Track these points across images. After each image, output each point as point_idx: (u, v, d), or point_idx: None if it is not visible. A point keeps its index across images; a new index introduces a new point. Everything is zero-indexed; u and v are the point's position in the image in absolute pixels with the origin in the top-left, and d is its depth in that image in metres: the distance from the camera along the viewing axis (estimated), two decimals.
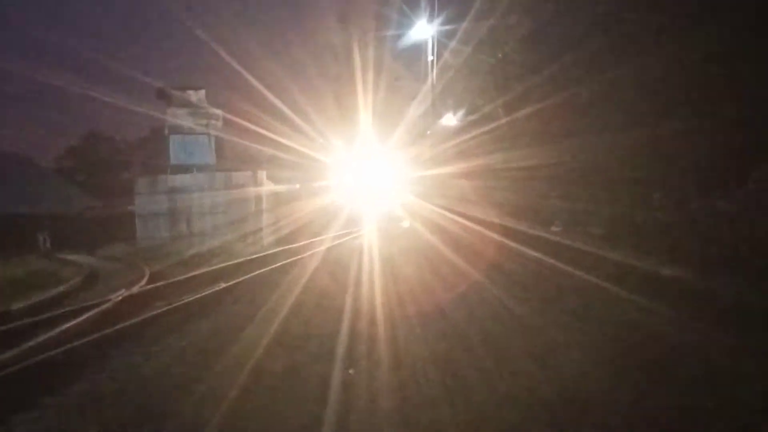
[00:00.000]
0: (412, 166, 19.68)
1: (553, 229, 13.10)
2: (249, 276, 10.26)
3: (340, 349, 5.32)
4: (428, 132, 19.05)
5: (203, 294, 8.84)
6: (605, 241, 11.09)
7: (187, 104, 22.48)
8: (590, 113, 11.91)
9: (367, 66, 19.86)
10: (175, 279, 10.78)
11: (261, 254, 13.91)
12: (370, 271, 9.92)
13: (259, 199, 20.96)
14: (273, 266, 11.35)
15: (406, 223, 17.24)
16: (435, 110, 18.37)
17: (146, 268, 12.74)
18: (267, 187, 21.41)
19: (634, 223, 10.89)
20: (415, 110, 19.22)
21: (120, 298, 8.84)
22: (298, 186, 23.68)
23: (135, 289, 9.79)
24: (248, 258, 13.23)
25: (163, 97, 22.55)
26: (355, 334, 5.81)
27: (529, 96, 12.92)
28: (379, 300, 7.44)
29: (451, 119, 17.50)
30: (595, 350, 4.92)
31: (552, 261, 9.20)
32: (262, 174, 21.36)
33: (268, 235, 18.96)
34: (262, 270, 10.90)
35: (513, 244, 11.11)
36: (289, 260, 12.12)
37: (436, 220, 14.49)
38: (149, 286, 10.17)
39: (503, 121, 14.13)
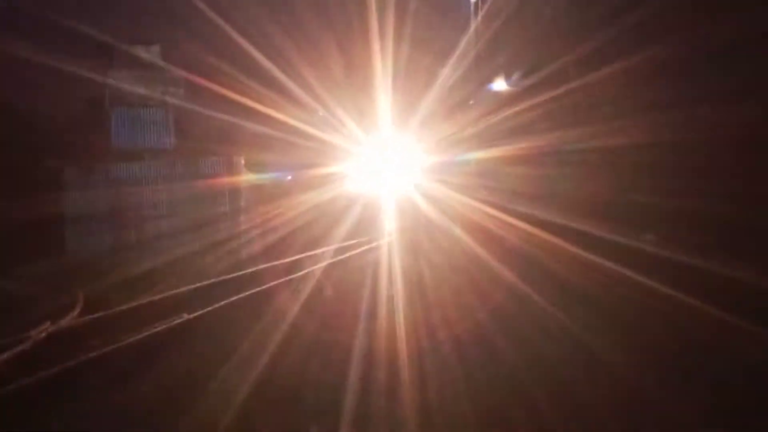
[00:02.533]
0: (447, 149, 19.84)
1: (647, 237, 13.11)
2: (222, 303, 10.59)
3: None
4: (470, 102, 19.21)
5: (158, 329, 9.12)
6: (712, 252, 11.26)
7: (135, 65, 22.45)
8: (702, 74, 11.71)
9: (385, 11, 19.52)
10: (120, 308, 10.97)
11: (239, 273, 14.24)
12: (389, 301, 10.25)
13: (235, 194, 21.10)
14: (256, 290, 11.75)
15: (442, 227, 17.44)
16: (479, 72, 18.51)
17: (79, 291, 12.94)
18: (247, 178, 21.49)
19: (754, 229, 10.98)
20: (451, 72, 19.27)
21: (43, 335, 9.01)
22: (290, 177, 23.90)
23: (64, 322, 9.98)
24: (221, 278, 13.58)
25: (102, 54, 22.11)
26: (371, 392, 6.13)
27: (613, 48, 12.94)
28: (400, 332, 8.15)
29: (501, 84, 17.67)
30: None
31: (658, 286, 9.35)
32: (240, 160, 21.46)
33: (247, 245, 19.00)
34: (240, 295, 11.25)
35: (592, 257, 11.36)
36: (277, 281, 12.55)
37: (482, 223, 14.66)
38: (83, 318, 10.39)
39: (575, 84, 14.21)
